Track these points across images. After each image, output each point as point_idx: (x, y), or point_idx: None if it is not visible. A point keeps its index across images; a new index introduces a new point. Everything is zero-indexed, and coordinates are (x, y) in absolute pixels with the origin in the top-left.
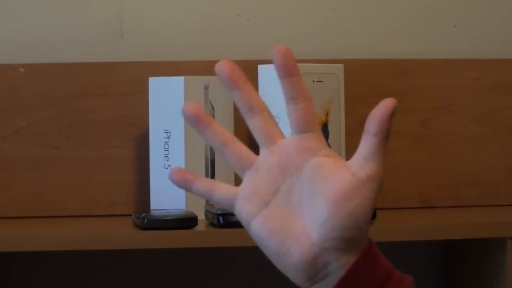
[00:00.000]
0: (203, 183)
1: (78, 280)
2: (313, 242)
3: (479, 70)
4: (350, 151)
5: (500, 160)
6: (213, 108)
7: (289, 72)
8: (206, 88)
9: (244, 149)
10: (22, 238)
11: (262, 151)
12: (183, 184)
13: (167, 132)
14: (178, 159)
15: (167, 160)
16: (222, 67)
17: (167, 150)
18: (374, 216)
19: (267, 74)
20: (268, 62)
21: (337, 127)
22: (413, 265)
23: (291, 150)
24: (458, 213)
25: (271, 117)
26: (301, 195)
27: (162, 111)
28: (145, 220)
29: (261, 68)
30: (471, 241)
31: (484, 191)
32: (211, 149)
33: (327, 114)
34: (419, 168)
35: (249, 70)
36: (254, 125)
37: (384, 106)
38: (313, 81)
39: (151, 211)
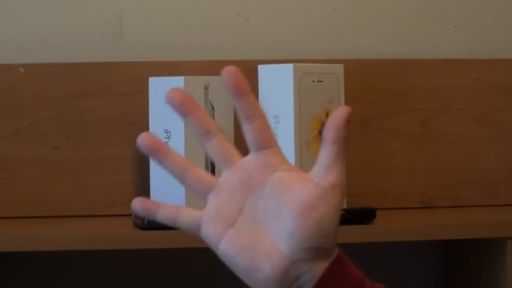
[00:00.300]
0: (166, 210)
1: (78, 280)
2: (283, 255)
3: (479, 70)
4: (350, 151)
5: (500, 160)
6: (213, 108)
7: (240, 92)
8: (206, 88)
9: (203, 174)
10: (22, 238)
11: (223, 172)
12: (147, 213)
13: (167, 132)
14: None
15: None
16: (172, 95)
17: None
18: (374, 216)
19: (267, 74)
20: (268, 62)
21: None
22: (413, 265)
23: (251, 168)
24: (458, 213)
25: (226, 138)
26: (266, 210)
27: (162, 111)
28: (145, 220)
29: (261, 68)
30: (471, 241)
31: (484, 191)
32: None
33: (327, 114)
34: (419, 168)
35: (249, 70)
36: (211, 148)
37: (339, 114)
38: (313, 81)
39: None
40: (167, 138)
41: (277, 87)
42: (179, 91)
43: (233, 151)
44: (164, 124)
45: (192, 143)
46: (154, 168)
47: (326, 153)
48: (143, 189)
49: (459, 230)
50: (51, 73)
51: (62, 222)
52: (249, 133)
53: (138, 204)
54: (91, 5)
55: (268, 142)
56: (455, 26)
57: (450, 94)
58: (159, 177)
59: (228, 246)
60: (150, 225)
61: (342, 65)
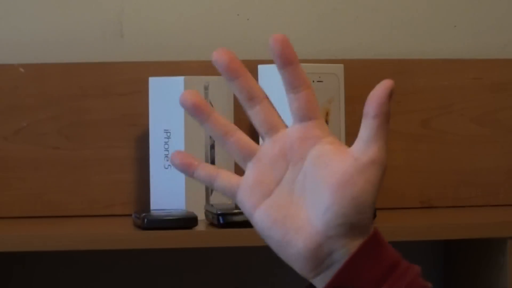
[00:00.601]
0: (205, 169)
1: (78, 280)
2: (317, 230)
3: (479, 70)
4: None
5: (500, 160)
6: None
7: (288, 61)
8: (206, 88)
9: (246, 139)
10: (22, 238)
11: (264, 141)
12: (185, 168)
13: (167, 132)
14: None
15: (167, 160)
16: (220, 56)
17: (167, 150)
18: (374, 216)
19: (267, 74)
20: (268, 62)
21: (337, 127)
22: None
23: (294, 139)
24: (458, 213)
25: (272, 106)
26: (304, 184)
27: (162, 111)
28: (145, 220)
29: (261, 68)
30: (471, 241)
31: (484, 191)
32: (211, 148)
33: (327, 114)
34: (419, 168)
35: (249, 70)
36: (255, 115)
37: (382, 87)
38: (313, 81)
39: (151, 211)
40: (167, 138)
41: (277, 87)
42: (228, 53)
43: (278, 121)
44: (164, 124)
45: (192, 143)
46: (154, 168)
47: (366, 127)
48: (143, 189)
49: (459, 230)
50: (51, 73)
51: (62, 222)
52: (294, 103)
53: (177, 158)
54: (91, 5)
55: (313, 113)
56: (455, 26)
57: (450, 94)
58: (159, 177)
59: (263, 218)
60: (150, 225)
61: (342, 65)
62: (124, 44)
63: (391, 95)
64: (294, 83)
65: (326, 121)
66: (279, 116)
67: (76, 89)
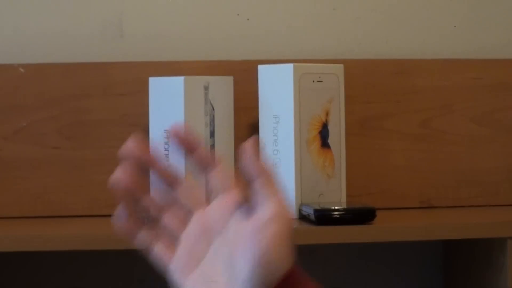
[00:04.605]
0: (144, 238)
1: (78, 280)
2: None
3: (479, 70)
4: (350, 151)
5: (500, 160)
6: (213, 108)
7: (192, 148)
8: (206, 88)
9: (174, 221)
10: (22, 238)
11: (191, 221)
12: (126, 234)
13: (167, 132)
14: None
15: (167, 160)
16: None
17: (167, 150)
18: (374, 216)
19: (267, 74)
20: (268, 62)
21: (337, 127)
22: (413, 265)
23: (216, 211)
24: (458, 213)
25: (194, 183)
26: (223, 256)
27: (162, 111)
28: (145, 220)
29: (261, 68)
30: (471, 241)
31: (484, 191)
32: (211, 149)
33: (327, 114)
34: (419, 168)
35: (249, 70)
36: (182, 192)
37: (246, 151)
38: (313, 81)
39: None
40: (168, 138)
41: (277, 87)
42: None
43: (201, 197)
44: (164, 124)
45: None
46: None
47: (255, 191)
48: None
49: (459, 230)
50: (51, 73)
51: (63, 222)
52: (208, 183)
53: (118, 222)
54: (91, 5)
55: (226, 187)
56: (455, 26)
57: (450, 94)
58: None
59: (195, 280)
60: None
61: (342, 65)
62: (124, 44)
63: (258, 152)
64: (203, 165)
65: (326, 121)
66: (202, 193)
67: (76, 89)
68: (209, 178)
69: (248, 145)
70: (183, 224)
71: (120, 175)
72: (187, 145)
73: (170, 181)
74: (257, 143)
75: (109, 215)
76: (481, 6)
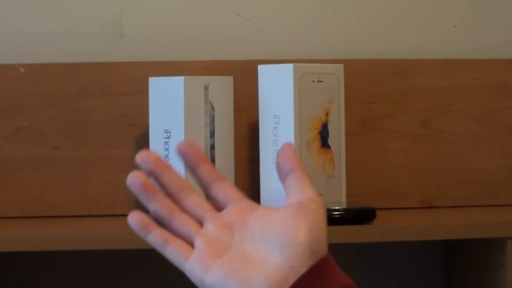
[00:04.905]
0: (159, 235)
1: (78, 280)
2: (277, 265)
3: (479, 70)
4: (350, 151)
5: (500, 160)
6: (213, 108)
7: (201, 160)
8: (206, 88)
9: (189, 221)
10: (22, 238)
11: (205, 222)
12: (140, 230)
13: (167, 132)
14: (178, 159)
15: (167, 160)
16: (143, 157)
17: (167, 150)
18: (374, 216)
19: (267, 74)
20: (268, 62)
21: (337, 127)
22: (413, 265)
23: (232, 213)
24: (458, 213)
25: (200, 194)
26: (253, 240)
27: (162, 111)
28: None
29: (261, 68)
30: (471, 241)
31: (484, 191)
32: (211, 149)
33: (327, 114)
34: (419, 168)
35: (249, 70)
36: (189, 203)
37: (284, 149)
38: (313, 81)
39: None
40: (167, 138)
41: (277, 87)
42: (149, 154)
43: (208, 205)
44: (164, 124)
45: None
46: None
47: (292, 182)
48: None
49: (459, 230)
50: (51, 73)
51: (62, 222)
52: (220, 193)
53: (134, 218)
54: (91, 5)
55: (238, 194)
56: (455, 26)
57: (450, 94)
58: None
59: (217, 273)
60: None
61: (342, 65)
62: (124, 44)
63: (295, 151)
64: (213, 178)
65: (326, 121)
66: (208, 202)
67: (76, 89)
68: (218, 189)
69: (286, 144)
70: (196, 226)
71: (136, 174)
72: (195, 160)
73: (179, 190)
74: (293, 146)
75: (109, 215)
76: (481, 6)
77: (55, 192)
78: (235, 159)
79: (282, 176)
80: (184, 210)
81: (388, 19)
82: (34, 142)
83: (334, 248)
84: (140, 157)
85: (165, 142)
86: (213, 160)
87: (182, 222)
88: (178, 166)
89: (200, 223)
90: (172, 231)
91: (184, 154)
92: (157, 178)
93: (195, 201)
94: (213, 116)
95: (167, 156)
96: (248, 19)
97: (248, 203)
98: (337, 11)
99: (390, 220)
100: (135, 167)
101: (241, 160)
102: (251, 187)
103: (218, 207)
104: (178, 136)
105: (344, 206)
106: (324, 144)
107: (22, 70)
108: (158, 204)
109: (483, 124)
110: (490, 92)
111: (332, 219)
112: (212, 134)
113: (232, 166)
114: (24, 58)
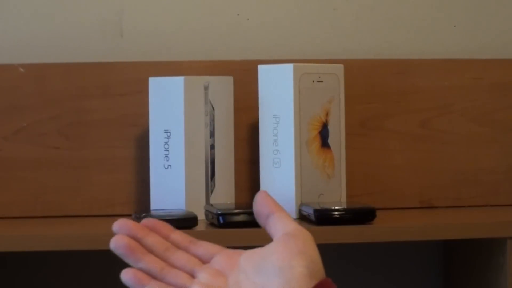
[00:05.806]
0: (154, 286)
1: (78, 280)
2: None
3: (479, 70)
4: (350, 151)
5: (500, 160)
6: (213, 108)
7: (170, 229)
8: (206, 88)
9: (181, 274)
10: (22, 238)
11: (196, 275)
12: (135, 286)
13: (167, 132)
14: (178, 159)
15: (167, 160)
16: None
17: (167, 150)
18: (374, 216)
19: (267, 74)
20: (268, 62)
21: (337, 127)
22: (413, 265)
23: (222, 261)
24: (458, 213)
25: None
26: (248, 279)
27: (162, 111)
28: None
29: (261, 68)
30: (471, 241)
31: (484, 191)
32: (211, 148)
33: (327, 114)
34: (419, 168)
35: (249, 70)
36: (177, 260)
37: (261, 195)
38: (313, 81)
39: (151, 211)
40: (167, 138)
41: (277, 87)
42: (123, 238)
43: (195, 258)
44: (164, 124)
45: (192, 143)
46: (154, 168)
47: (274, 222)
48: (143, 189)
49: (459, 230)
50: (51, 73)
51: (62, 222)
52: (199, 250)
53: (127, 274)
54: (91, 5)
55: (218, 246)
56: (455, 26)
57: (450, 94)
58: (159, 177)
59: None
60: None
61: (342, 65)
62: (124, 44)
63: (270, 197)
64: (187, 241)
65: (326, 121)
66: (194, 257)
67: (76, 89)
68: (196, 248)
69: (260, 192)
70: (189, 277)
71: (119, 237)
72: (165, 231)
73: (164, 249)
74: (267, 193)
75: (109, 215)
76: (481, 6)
77: (55, 192)
78: (235, 159)
79: (263, 220)
80: (173, 266)
81: (388, 19)
82: (34, 142)
83: (334, 248)
84: (117, 225)
85: (165, 142)
86: (213, 160)
87: (175, 275)
88: (178, 166)
89: (192, 276)
90: (166, 284)
91: (153, 228)
92: (139, 242)
93: (182, 257)
94: (213, 116)
95: (166, 156)
96: (248, 19)
97: (233, 250)
98: (337, 11)
99: (390, 220)
100: (135, 167)
101: (241, 160)
102: (251, 187)
103: (203, 262)
104: (178, 136)
105: (344, 206)
106: (324, 144)
107: (22, 70)
108: (147, 263)
109: (483, 124)
110: (490, 92)
111: (332, 219)
112: (212, 134)
113: (232, 166)
114: (24, 58)
